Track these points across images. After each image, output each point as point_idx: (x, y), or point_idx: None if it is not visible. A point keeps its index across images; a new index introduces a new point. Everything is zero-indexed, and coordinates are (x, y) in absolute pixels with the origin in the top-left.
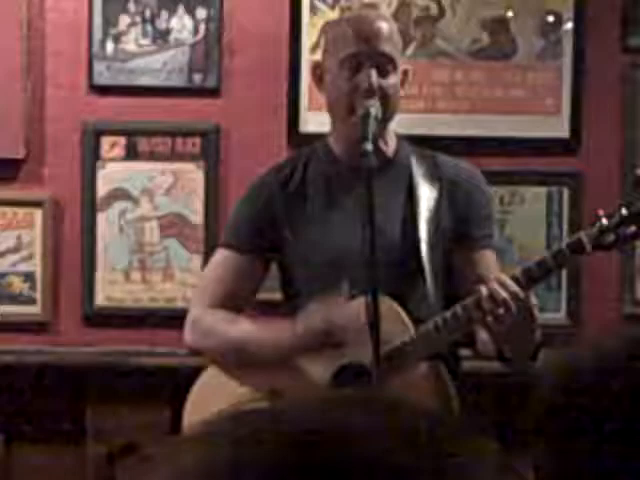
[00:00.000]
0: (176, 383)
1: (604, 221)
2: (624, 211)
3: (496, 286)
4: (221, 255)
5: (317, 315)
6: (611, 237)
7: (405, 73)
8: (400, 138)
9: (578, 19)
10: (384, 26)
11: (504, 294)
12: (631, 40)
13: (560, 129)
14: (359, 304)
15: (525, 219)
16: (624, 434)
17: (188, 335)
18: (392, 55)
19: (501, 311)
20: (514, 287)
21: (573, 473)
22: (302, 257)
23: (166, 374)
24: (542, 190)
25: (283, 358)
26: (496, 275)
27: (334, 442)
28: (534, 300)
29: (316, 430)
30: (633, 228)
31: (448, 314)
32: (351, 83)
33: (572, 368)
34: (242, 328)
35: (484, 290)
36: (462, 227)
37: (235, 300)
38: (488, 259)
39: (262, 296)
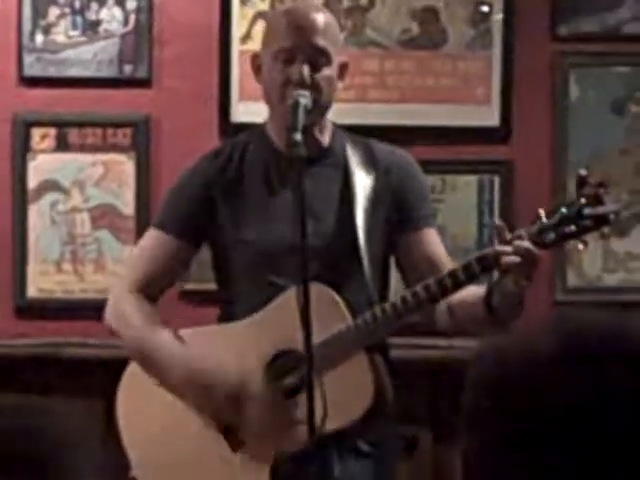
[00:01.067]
0: (109, 374)
1: (544, 220)
2: (564, 210)
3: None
4: (151, 236)
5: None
6: (551, 235)
7: (343, 66)
8: (336, 127)
9: (507, 9)
10: (319, 19)
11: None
12: (560, 29)
13: (490, 118)
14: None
15: (457, 207)
16: (549, 437)
17: (107, 314)
18: (326, 48)
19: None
20: (526, 243)
21: (496, 469)
22: (239, 244)
23: (99, 365)
24: (473, 178)
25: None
26: (517, 231)
27: None
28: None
29: None
30: (573, 228)
31: (407, 294)
32: (283, 75)
33: (500, 367)
34: (155, 341)
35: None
36: (401, 211)
37: (157, 281)
38: (433, 237)
39: (190, 286)
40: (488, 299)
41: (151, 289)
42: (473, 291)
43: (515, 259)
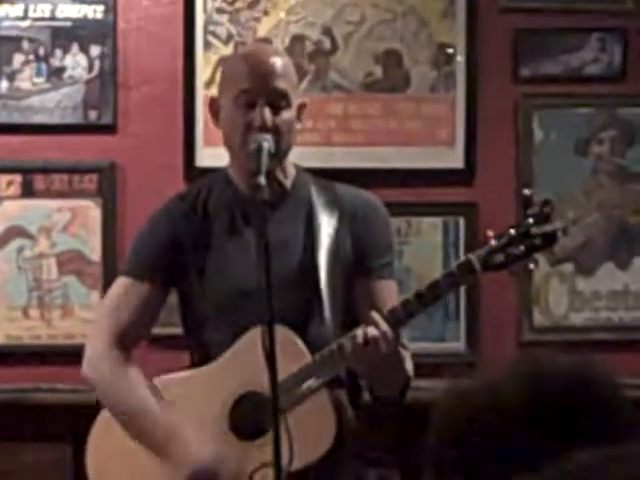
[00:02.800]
0: (77, 420)
1: (493, 242)
2: (512, 231)
3: (369, 326)
4: (121, 283)
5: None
6: (500, 257)
7: (301, 107)
8: (300, 170)
9: (470, 51)
10: (278, 62)
11: (374, 333)
12: (522, 71)
13: (454, 160)
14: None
15: (422, 249)
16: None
17: (85, 369)
18: (286, 91)
19: (369, 349)
20: (384, 327)
21: None
22: (205, 288)
23: (67, 411)
24: (438, 220)
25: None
26: (371, 314)
27: None
28: (404, 338)
29: None
30: (522, 248)
31: (333, 346)
32: (244, 119)
33: (465, 413)
34: (136, 404)
35: (358, 332)
36: (361, 257)
37: (133, 329)
38: (386, 289)
39: (157, 331)
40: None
41: (127, 339)
42: None
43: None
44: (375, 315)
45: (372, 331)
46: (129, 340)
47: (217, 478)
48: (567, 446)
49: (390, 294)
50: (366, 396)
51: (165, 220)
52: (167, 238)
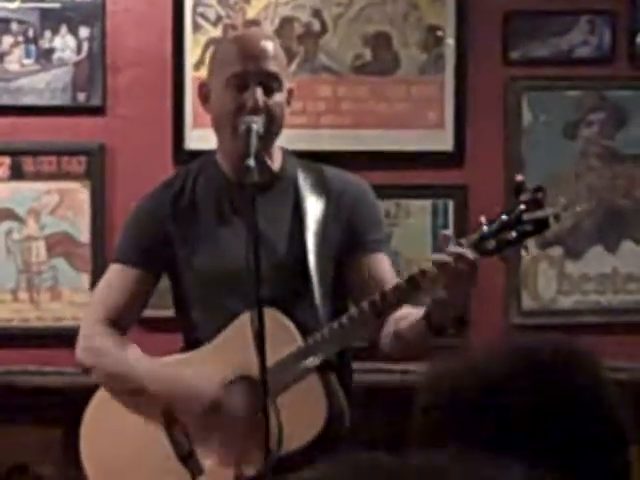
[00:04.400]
0: (66, 403)
1: (485, 228)
2: (504, 217)
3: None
4: (113, 270)
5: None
6: (492, 243)
7: (290, 92)
8: (287, 152)
9: (459, 34)
10: (269, 45)
11: (453, 250)
12: (511, 53)
13: (444, 142)
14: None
15: (411, 232)
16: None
17: (79, 351)
18: (278, 73)
19: (451, 266)
20: (470, 254)
21: None
22: (193, 272)
23: (56, 394)
24: (427, 203)
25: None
26: (450, 248)
27: None
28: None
29: None
30: (514, 234)
31: (353, 312)
32: (237, 102)
33: (453, 393)
34: (128, 362)
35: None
36: (352, 236)
37: (125, 313)
38: (382, 262)
39: (149, 313)
40: (429, 315)
41: (119, 323)
42: (415, 311)
43: (448, 261)
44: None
45: (451, 249)
46: (122, 324)
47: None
48: (552, 424)
49: (386, 267)
50: (355, 378)
51: (153, 206)
52: (155, 224)
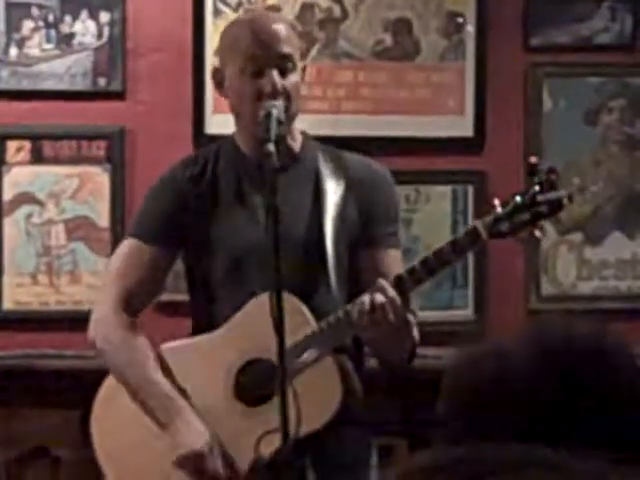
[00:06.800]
0: (84, 385)
1: (499, 210)
2: (518, 199)
3: (375, 293)
4: (128, 245)
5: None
6: (506, 225)
7: (303, 69)
8: (306, 136)
9: (480, 20)
10: (281, 27)
11: (381, 299)
12: (532, 40)
13: (464, 129)
14: None
15: (431, 218)
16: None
17: (91, 332)
18: (291, 54)
19: (376, 315)
20: (391, 293)
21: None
22: (211, 251)
23: (74, 377)
24: (447, 189)
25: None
26: (377, 281)
27: None
28: (414, 304)
29: None
30: (527, 215)
31: (339, 313)
32: (254, 88)
33: (474, 380)
34: (140, 374)
35: (365, 298)
36: (366, 225)
37: (142, 291)
38: (391, 258)
39: (164, 297)
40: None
41: (135, 302)
42: None
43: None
44: (382, 281)
45: (379, 297)
46: (137, 303)
47: (205, 465)
48: (577, 415)
49: (395, 263)
50: (371, 362)
51: (173, 183)
52: (174, 202)
